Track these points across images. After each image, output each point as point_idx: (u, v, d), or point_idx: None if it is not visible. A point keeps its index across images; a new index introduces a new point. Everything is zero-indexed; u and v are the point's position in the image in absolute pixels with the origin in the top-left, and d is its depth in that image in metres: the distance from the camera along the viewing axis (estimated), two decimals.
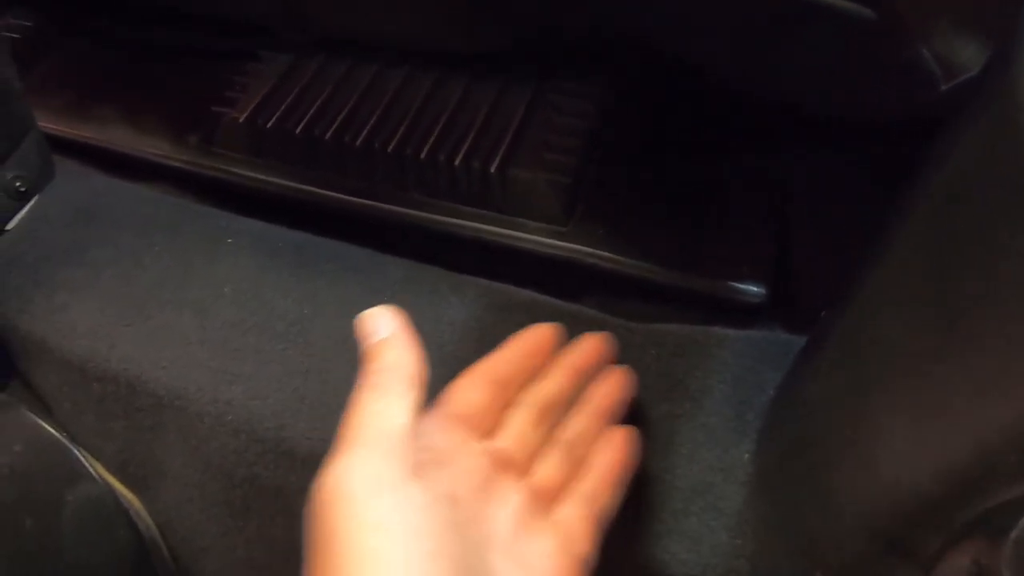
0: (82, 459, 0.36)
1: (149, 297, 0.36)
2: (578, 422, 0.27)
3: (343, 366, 0.33)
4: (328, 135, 0.43)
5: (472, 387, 0.26)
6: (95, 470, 0.35)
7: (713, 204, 0.41)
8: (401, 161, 0.42)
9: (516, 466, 0.24)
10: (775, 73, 0.36)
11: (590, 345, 0.29)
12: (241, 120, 0.45)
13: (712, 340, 0.32)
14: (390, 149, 0.42)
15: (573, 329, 0.33)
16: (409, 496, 0.19)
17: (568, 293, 0.36)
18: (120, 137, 0.48)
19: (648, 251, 0.39)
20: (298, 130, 0.44)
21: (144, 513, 0.35)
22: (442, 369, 0.30)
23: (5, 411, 0.36)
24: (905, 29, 0.23)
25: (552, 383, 0.27)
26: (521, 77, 0.45)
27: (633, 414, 0.30)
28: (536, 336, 0.28)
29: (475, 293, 0.35)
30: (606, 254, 0.39)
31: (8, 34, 0.53)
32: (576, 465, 0.26)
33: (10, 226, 0.40)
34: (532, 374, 0.27)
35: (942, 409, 0.16)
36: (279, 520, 0.32)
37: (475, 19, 0.41)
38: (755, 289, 0.38)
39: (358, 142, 0.43)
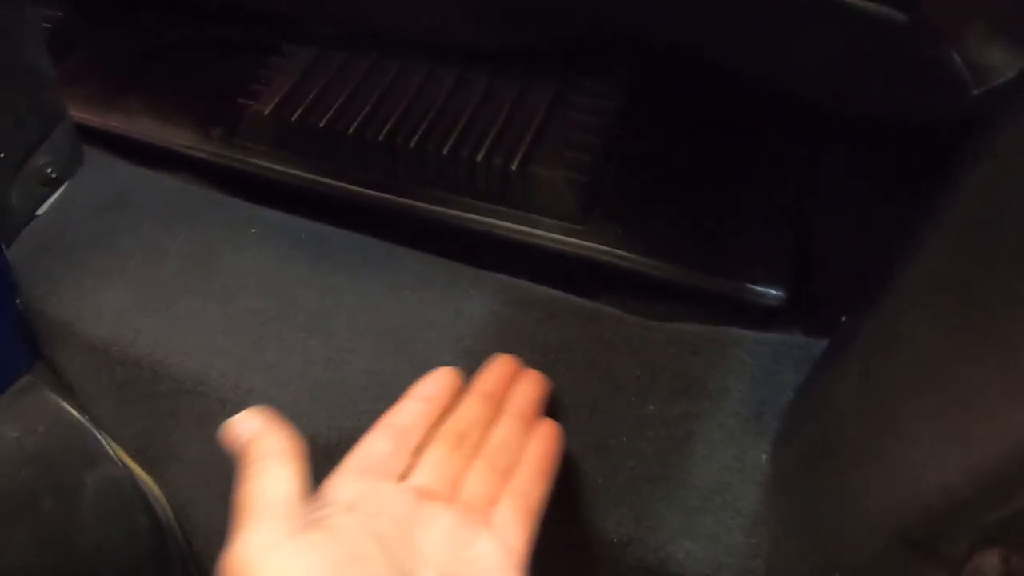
0: (103, 442, 0.36)
1: (174, 284, 0.37)
2: (498, 432, 0.28)
3: (363, 357, 0.34)
4: (351, 129, 0.44)
5: (372, 440, 0.27)
6: (115, 453, 0.36)
7: (731, 205, 0.41)
8: (422, 156, 0.43)
9: (440, 493, 0.25)
10: (798, 74, 0.36)
11: (496, 368, 0.30)
12: (265, 113, 0.45)
13: (730, 340, 0.32)
14: (412, 144, 0.43)
15: (591, 326, 0.33)
16: (304, 546, 0.21)
17: (584, 291, 0.36)
18: (146, 127, 0.48)
19: (665, 251, 0.39)
20: (321, 124, 0.44)
21: (161, 497, 0.36)
22: (460, 363, 0.31)
23: (29, 393, 0.37)
24: (936, 33, 0.23)
25: (464, 410, 0.28)
26: (543, 75, 0.45)
27: (649, 412, 0.30)
28: (433, 380, 0.29)
29: (494, 288, 0.35)
30: (623, 253, 0.40)
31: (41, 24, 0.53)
32: (504, 471, 0.27)
33: (41, 211, 0.40)
34: (436, 416, 0.28)
35: (973, 410, 0.16)
36: None
37: (486, 17, 0.41)
38: (773, 291, 0.38)
39: (380, 137, 0.43)
